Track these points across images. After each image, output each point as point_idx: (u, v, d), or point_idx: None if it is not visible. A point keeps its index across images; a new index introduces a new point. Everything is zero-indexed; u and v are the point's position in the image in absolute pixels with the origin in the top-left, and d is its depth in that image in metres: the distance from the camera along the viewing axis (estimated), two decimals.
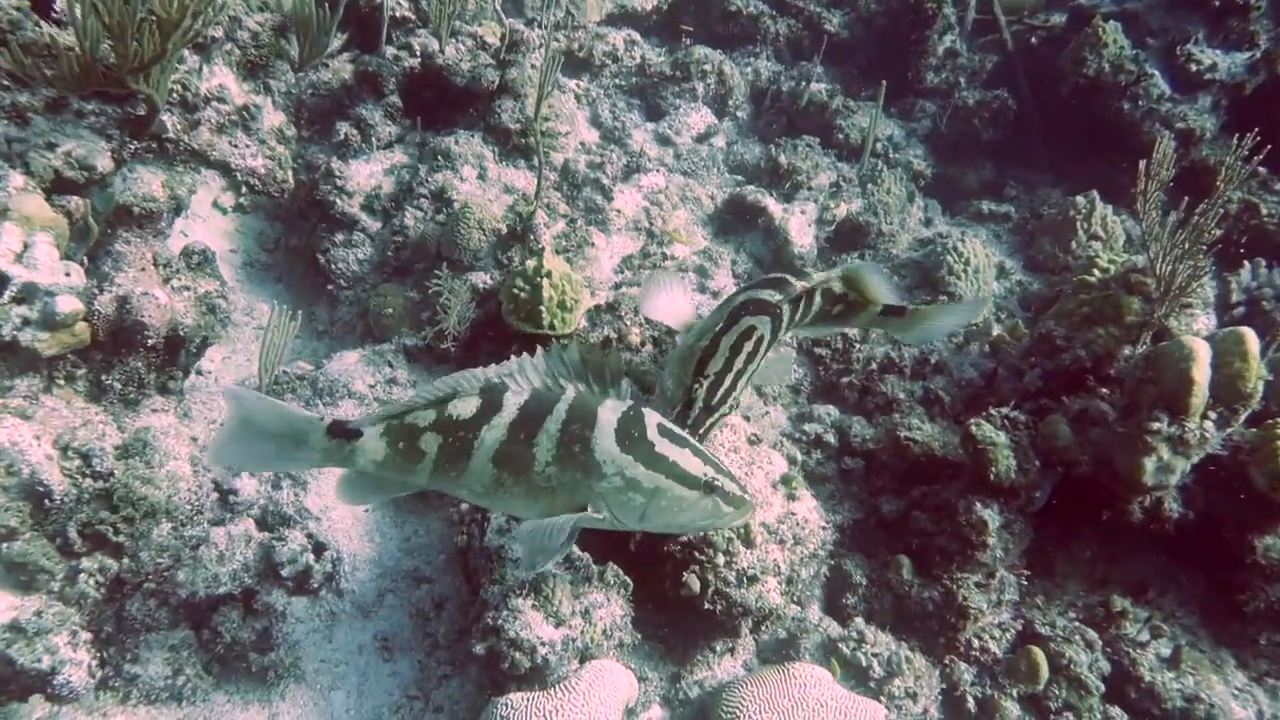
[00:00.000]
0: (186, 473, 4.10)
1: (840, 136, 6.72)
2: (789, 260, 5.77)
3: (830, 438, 5.11)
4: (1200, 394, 4.15)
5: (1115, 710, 4.62)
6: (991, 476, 4.43)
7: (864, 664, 4.35)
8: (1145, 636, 4.92)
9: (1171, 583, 5.38)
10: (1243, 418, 4.39)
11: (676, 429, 3.08)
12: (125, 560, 3.83)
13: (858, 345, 5.35)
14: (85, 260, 4.32)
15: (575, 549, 4.10)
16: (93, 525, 3.75)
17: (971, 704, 4.55)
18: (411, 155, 5.42)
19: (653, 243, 5.38)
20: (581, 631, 3.81)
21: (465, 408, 2.92)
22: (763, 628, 4.45)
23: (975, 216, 7.14)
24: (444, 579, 4.41)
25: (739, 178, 5.99)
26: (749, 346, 3.40)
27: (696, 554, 4.06)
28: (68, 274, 4.11)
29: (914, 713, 4.38)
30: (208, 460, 4.28)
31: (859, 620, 4.60)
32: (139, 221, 4.39)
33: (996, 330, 5.77)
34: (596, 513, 2.99)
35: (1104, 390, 4.92)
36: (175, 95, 4.88)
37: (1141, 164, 4.92)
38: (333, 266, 5.13)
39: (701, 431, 3.33)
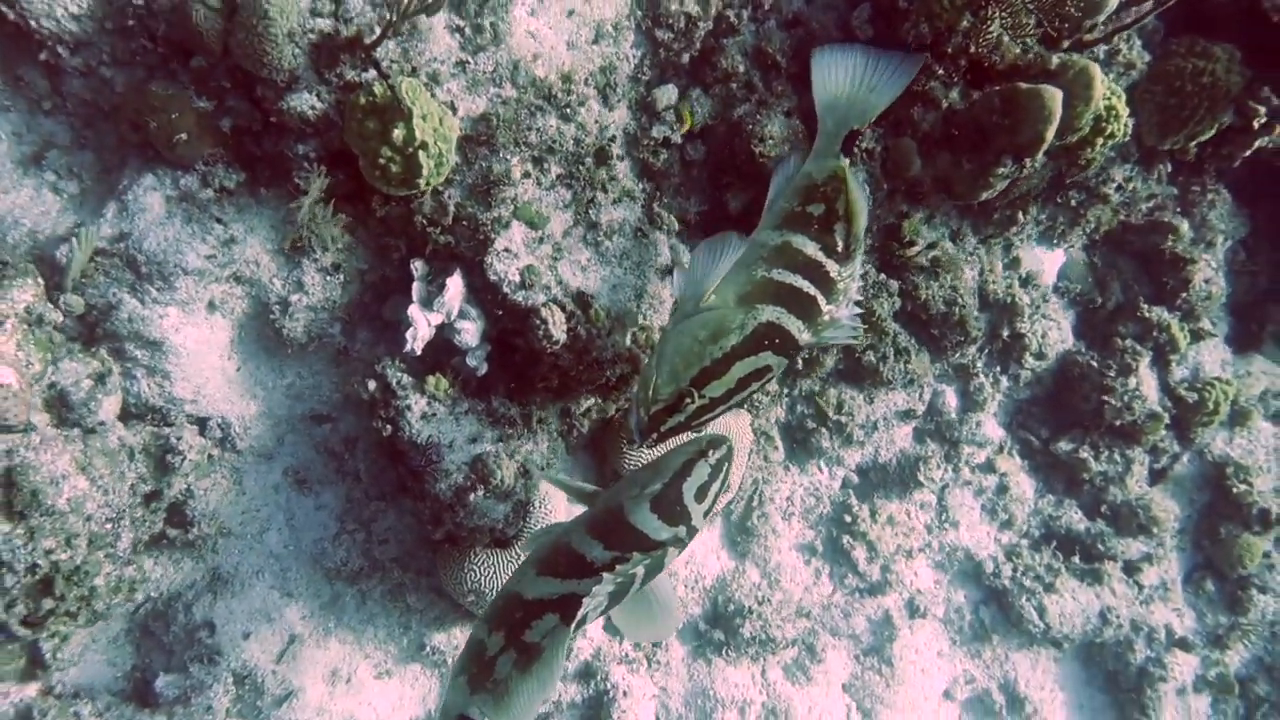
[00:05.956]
0: (84, 486, 3.39)
1: None
2: None
3: (676, 137, 4.87)
4: (1048, 143, 4.42)
5: (903, 338, 5.75)
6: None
7: None
8: (925, 260, 5.83)
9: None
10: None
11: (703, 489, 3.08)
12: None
13: (700, 24, 4.72)
14: None
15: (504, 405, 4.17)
16: (38, 616, 3.26)
17: (800, 363, 5.48)
18: None
19: None
20: (524, 487, 4.13)
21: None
22: None
23: None
24: (347, 417, 4.31)
25: None
26: (755, 386, 3.08)
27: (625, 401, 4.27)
28: None
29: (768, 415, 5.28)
30: None
31: None
32: None
33: None
34: None
35: (940, 71, 4.94)
36: None
37: None
38: (34, 25, 3.46)
39: (654, 441, 3.08)
